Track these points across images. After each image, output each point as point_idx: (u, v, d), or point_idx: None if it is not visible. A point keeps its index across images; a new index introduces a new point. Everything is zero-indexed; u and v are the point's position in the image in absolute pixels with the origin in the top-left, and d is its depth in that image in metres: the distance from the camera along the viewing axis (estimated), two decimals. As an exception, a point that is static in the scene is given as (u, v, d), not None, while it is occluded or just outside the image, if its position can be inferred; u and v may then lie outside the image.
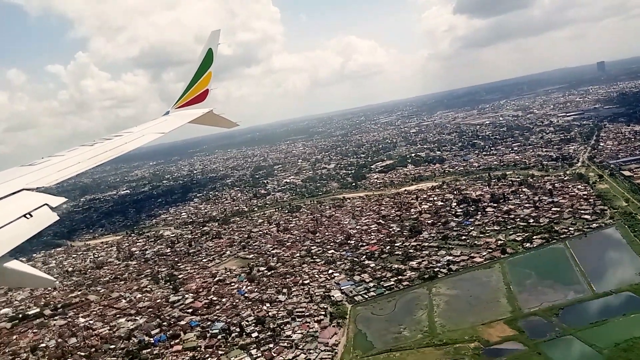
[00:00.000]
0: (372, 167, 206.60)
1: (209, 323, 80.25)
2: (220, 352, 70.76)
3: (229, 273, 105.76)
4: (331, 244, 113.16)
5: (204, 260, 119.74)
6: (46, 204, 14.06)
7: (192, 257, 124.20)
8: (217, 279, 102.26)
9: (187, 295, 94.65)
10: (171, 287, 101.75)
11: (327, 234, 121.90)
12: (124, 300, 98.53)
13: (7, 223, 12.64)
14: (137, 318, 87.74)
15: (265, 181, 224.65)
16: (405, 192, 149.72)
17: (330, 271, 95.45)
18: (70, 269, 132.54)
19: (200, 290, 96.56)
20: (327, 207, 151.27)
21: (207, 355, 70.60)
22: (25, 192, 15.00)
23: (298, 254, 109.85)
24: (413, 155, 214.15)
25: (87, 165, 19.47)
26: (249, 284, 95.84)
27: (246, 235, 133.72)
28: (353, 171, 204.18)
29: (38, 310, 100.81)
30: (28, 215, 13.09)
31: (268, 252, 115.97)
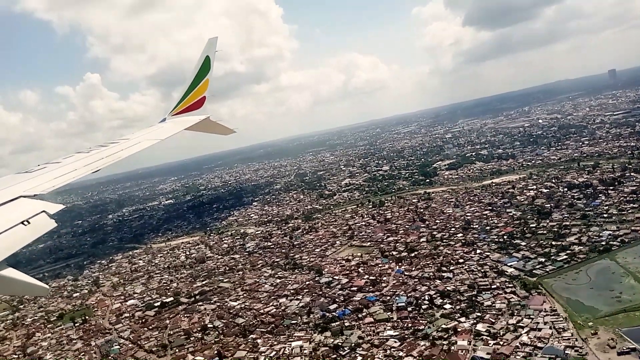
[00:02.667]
0: (434, 165, 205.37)
1: (388, 298, 77.69)
2: (422, 322, 68.13)
3: (360, 258, 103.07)
4: (452, 229, 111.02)
5: (317, 249, 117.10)
6: (44, 211, 13.90)
7: (300, 248, 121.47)
8: (354, 262, 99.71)
9: (336, 277, 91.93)
10: (309, 271, 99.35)
11: (437, 221, 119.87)
12: (266, 285, 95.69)
13: (4, 230, 12.53)
14: (298, 297, 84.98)
15: (321, 184, 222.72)
16: (494, 184, 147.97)
17: (478, 251, 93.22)
18: (167, 265, 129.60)
19: (347, 272, 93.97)
20: (414, 200, 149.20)
21: (407, 324, 68.05)
22: (23, 199, 14.91)
23: (424, 239, 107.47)
24: (474, 154, 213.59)
25: (83, 172, 19.31)
26: (398, 265, 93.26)
27: (346, 228, 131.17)
28: (415, 171, 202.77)
29: (172, 298, 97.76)
30: (26, 222, 13.00)
31: (384, 240, 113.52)
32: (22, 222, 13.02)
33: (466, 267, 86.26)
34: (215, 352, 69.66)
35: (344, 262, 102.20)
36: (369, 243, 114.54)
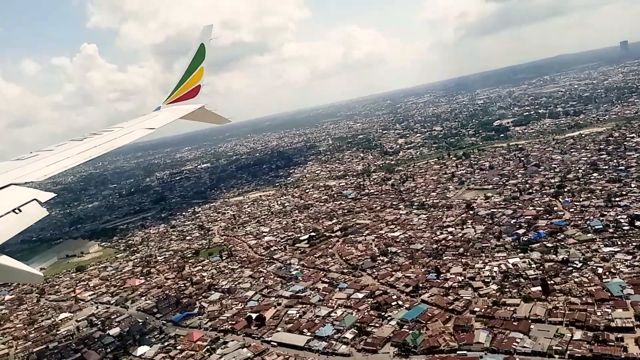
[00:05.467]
0: (495, 124, 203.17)
1: (579, 222, 75.46)
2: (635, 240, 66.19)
3: (495, 197, 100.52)
4: (579, 171, 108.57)
5: (432, 193, 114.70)
6: (35, 199, 13.61)
7: (409, 194, 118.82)
8: (498, 199, 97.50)
9: (493, 210, 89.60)
10: (447, 208, 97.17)
11: (553, 165, 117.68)
12: (414, 219, 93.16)
13: None
14: (469, 227, 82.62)
15: (374, 144, 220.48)
16: (581, 135, 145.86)
17: (633, 185, 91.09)
18: (270, 212, 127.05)
19: (502, 206, 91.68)
20: (503, 151, 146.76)
21: (620, 242, 65.92)
22: (14, 187, 14.64)
23: (556, 180, 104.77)
24: (532, 113, 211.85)
25: (76, 160, 19.34)
26: (556, 198, 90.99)
27: (448, 175, 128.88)
28: (480, 129, 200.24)
29: (314, 233, 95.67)
30: (17, 210, 12.63)
31: (505, 183, 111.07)
32: (13, 211, 12.44)
33: (634, 197, 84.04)
34: (427, 269, 67.20)
35: (482, 199, 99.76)
36: (490, 186, 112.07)
